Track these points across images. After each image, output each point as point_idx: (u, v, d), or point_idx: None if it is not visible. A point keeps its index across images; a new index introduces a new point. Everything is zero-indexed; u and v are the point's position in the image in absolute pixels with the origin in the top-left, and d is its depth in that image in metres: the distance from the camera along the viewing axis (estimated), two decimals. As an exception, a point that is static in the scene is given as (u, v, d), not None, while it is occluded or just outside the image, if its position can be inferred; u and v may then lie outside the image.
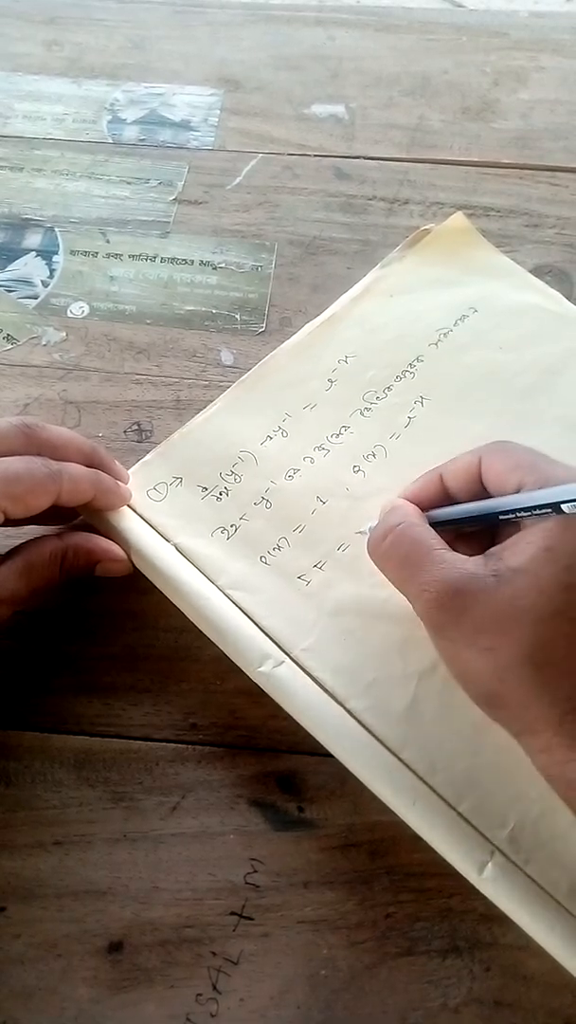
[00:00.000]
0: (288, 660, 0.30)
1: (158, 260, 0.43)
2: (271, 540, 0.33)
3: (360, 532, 0.32)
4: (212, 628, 0.31)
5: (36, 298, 0.41)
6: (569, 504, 0.24)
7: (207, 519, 0.34)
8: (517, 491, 0.26)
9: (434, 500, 0.30)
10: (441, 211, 0.44)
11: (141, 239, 0.43)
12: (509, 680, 0.24)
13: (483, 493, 0.28)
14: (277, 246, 0.43)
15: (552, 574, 0.24)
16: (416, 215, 0.44)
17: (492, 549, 0.26)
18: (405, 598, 0.27)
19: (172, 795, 0.29)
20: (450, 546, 0.27)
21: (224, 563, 0.32)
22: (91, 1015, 0.26)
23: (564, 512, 0.24)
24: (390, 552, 0.28)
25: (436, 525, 0.28)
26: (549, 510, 0.25)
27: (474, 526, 0.29)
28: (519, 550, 0.25)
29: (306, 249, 0.43)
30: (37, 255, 0.43)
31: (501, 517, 0.26)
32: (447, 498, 0.30)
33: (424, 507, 0.29)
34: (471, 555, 0.26)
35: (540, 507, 0.25)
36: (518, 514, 0.26)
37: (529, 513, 0.25)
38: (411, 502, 0.30)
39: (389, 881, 0.28)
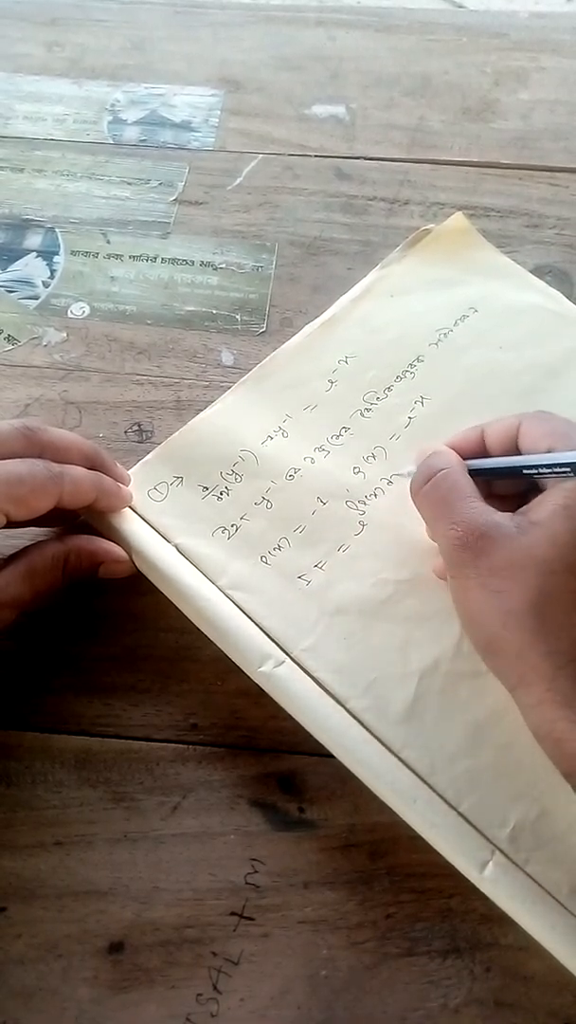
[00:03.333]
0: (288, 660, 0.30)
1: (159, 261, 0.43)
2: (272, 540, 0.33)
3: (399, 475, 0.34)
4: (213, 628, 0.31)
5: (37, 299, 0.41)
6: None
7: (208, 519, 0.34)
8: (548, 453, 0.28)
9: (472, 452, 0.31)
10: (441, 211, 0.44)
11: (142, 240, 0.43)
12: (511, 625, 0.25)
13: (517, 452, 0.30)
14: (277, 247, 0.43)
15: (567, 530, 0.26)
16: (416, 215, 0.44)
17: (521, 508, 0.28)
18: (433, 538, 0.30)
19: (173, 795, 0.29)
20: (485, 498, 0.29)
21: (224, 563, 0.32)
22: (92, 1015, 0.26)
23: None
24: (430, 492, 0.29)
25: (472, 474, 0.30)
26: (568, 471, 0.26)
27: (503, 479, 0.30)
28: (541, 507, 0.27)
29: (307, 250, 0.43)
30: (38, 256, 0.43)
31: (525, 471, 0.28)
32: (484, 453, 0.31)
33: (464, 456, 0.31)
34: (502, 510, 0.28)
35: (560, 466, 0.26)
36: (540, 470, 0.27)
37: (550, 471, 0.27)
38: (451, 449, 0.31)
39: (389, 881, 0.28)
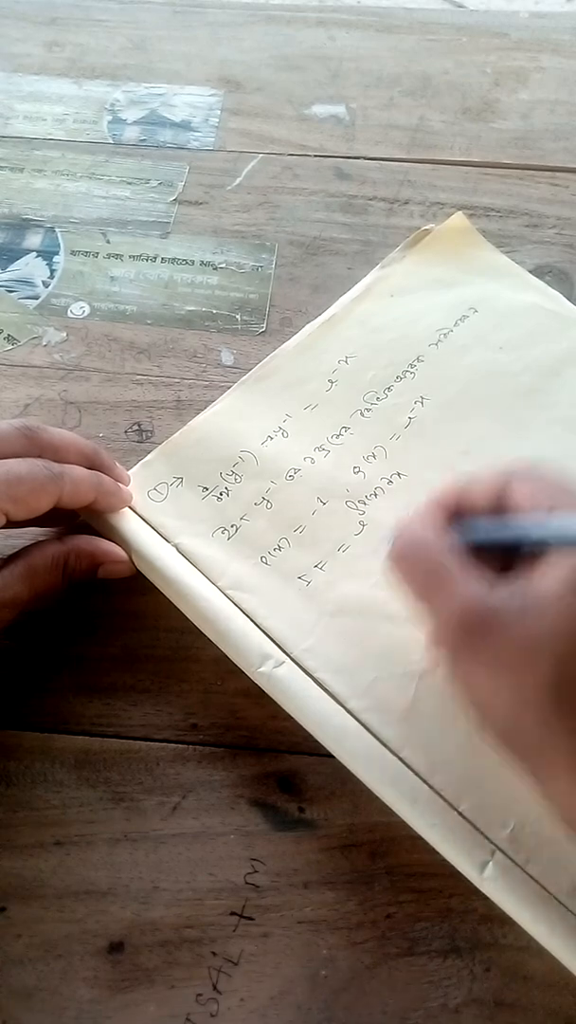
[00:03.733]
0: (288, 660, 0.30)
1: (158, 260, 0.43)
2: (272, 540, 0.33)
3: (385, 539, 0.30)
4: (213, 629, 0.31)
5: (37, 298, 0.41)
6: None
7: (208, 519, 0.34)
8: (545, 517, 0.25)
9: (457, 512, 0.28)
10: (441, 211, 0.44)
11: (141, 239, 0.43)
12: (527, 716, 0.23)
13: (506, 512, 0.27)
14: (277, 246, 0.43)
15: None
16: (416, 215, 0.44)
17: (516, 574, 0.25)
18: (420, 616, 0.26)
19: (173, 795, 0.29)
20: (473, 558, 0.26)
21: (225, 564, 0.32)
22: (91, 1015, 0.26)
23: None
24: (414, 566, 0.26)
25: (459, 539, 0.27)
26: None
27: (496, 544, 0.27)
28: (546, 579, 0.24)
29: (306, 249, 0.43)
30: (38, 255, 0.43)
31: (526, 543, 0.25)
32: (471, 511, 0.28)
33: (448, 518, 0.28)
34: (490, 569, 0.25)
35: (569, 537, 0.24)
36: (544, 541, 0.25)
37: (556, 541, 0.25)
38: (435, 511, 0.28)
39: (389, 881, 0.28)
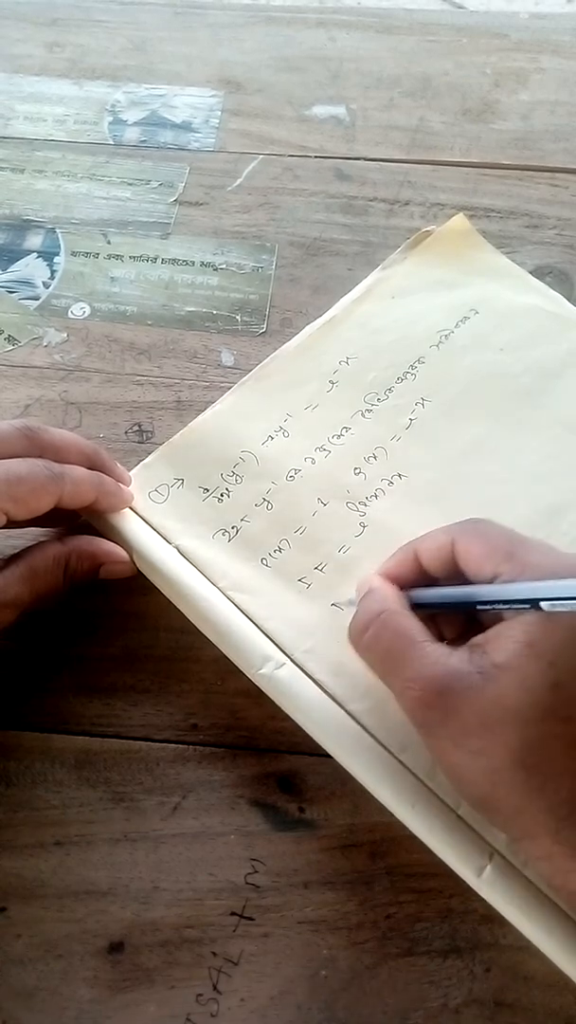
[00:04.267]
0: (289, 662, 0.30)
1: (159, 261, 0.43)
2: (272, 542, 0.33)
3: (335, 605, 0.31)
4: (213, 630, 0.31)
5: (37, 299, 0.41)
6: (548, 602, 0.23)
7: (208, 520, 0.34)
8: (492, 579, 0.25)
9: (411, 579, 0.29)
10: (442, 212, 0.44)
11: (142, 240, 0.43)
12: (501, 784, 0.23)
13: (460, 573, 0.27)
14: (278, 247, 0.43)
15: (537, 671, 0.23)
16: (417, 216, 0.44)
17: (475, 639, 0.25)
18: (389, 689, 0.26)
19: (173, 795, 0.29)
20: (429, 622, 0.26)
21: (225, 565, 0.32)
22: (91, 1015, 0.26)
23: (543, 609, 0.23)
24: (372, 644, 0.26)
25: (415, 607, 0.27)
26: (527, 605, 0.24)
27: (452, 612, 0.28)
28: (501, 645, 0.24)
29: (307, 250, 0.43)
30: (38, 256, 0.43)
31: (479, 607, 0.25)
32: (424, 576, 0.29)
33: (401, 586, 0.28)
34: (451, 635, 0.26)
35: (518, 601, 0.24)
36: (496, 606, 0.25)
37: (507, 606, 0.25)
38: (388, 580, 0.28)
39: (389, 881, 0.28)
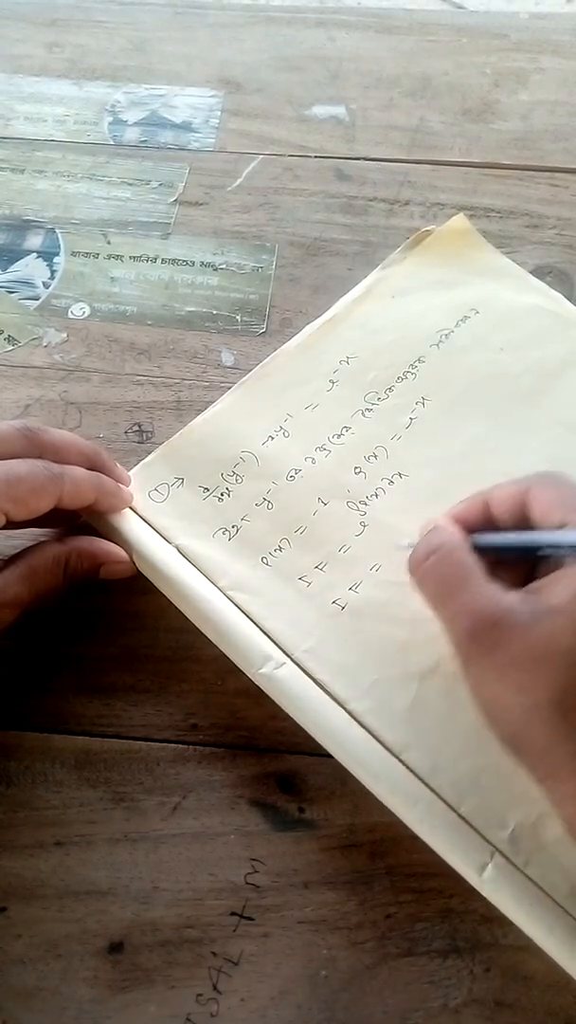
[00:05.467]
0: (289, 662, 0.30)
1: (159, 261, 0.43)
2: (272, 541, 0.33)
3: (400, 547, 0.30)
4: (213, 630, 0.31)
5: (37, 299, 0.41)
6: None
7: (208, 520, 0.34)
8: (560, 527, 0.26)
9: (477, 523, 0.29)
10: (442, 212, 0.44)
11: (142, 240, 0.43)
12: (536, 722, 0.23)
13: (527, 523, 0.28)
14: (278, 247, 0.43)
15: None
16: (417, 216, 0.44)
17: (532, 584, 0.26)
18: (439, 620, 0.27)
19: (173, 795, 0.29)
20: (490, 571, 0.26)
21: (225, 565, 0.32)
22: (91, 1015, 0.26)
23: None
24: (430, 572, 0.27)
25: (477, 549, 0.27)
26: None
27: (514, 556, 0.28)
28: (558, 589, 0.25)
29: (307, 250, 0.43)
30: (38, 256, 0.43)
31: (540, 552, 0.26)
32: (490, 523, 0.29)
33: (467, 529, 0.29)
34: (510, 583, 0.26)
35: None
36: (559, 550, 0.26)
37: (572, 551, 0.25)
38: (455, 521, 0.29)
39: (389, 881, 0.28)
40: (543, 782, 0.25)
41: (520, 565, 0.28)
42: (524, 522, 0.28)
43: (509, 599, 0.25)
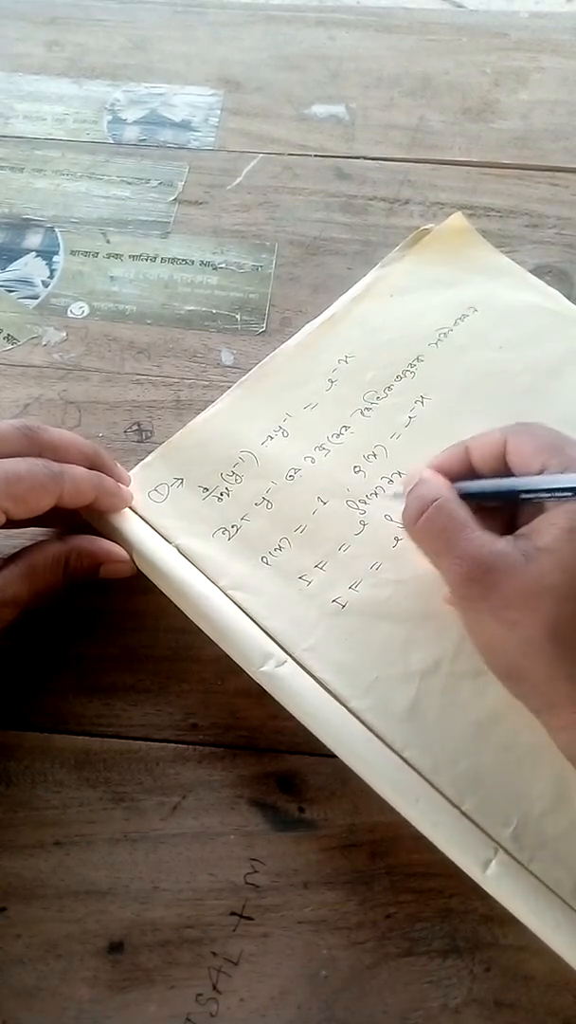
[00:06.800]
0: (290, 660, 0.30)
1: (158, 260, 0.43)
2: (272, 541, 0.33)
3: (389, 494, 0.33)
4: (214, 628, 0.31)
5: (36, 298, 0.41)
6: None
7: (208, 520, 0.34)
8: (540, 472, 0.27)
9: (459, 472, 0.30)
10: (441, 211, 0.44)
11: (141, 239, 0.43)
12: (531, 654, 0.25)
13: (506, 470, 0.29)
14: (277, 246, 0.43)
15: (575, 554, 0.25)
16: (416, 215, 0.44)
17: (521, 529, 0.27)
18: (437, 570, 0.28)
19: (172, 795, 0.29)
20: (474, 514, 0.28)
21: (225, 564, 0.32)
22: (91, 1015, 0.26)
23: None
24: (426, 526, 0.28)
25: (462, 497, 0.29)
26: (570, 493, 0.26)
27: (497, 502, 0.29)
28: (545, 531, 0.26)
29: (306, 249, 0.43)
30: (37, 255, 0.43)
31: (523, 496, 0.27)
32: (471, 471, 0.30)
33: (450, 478, 0.30)
34: (494, 528, 0.27)
35: (562, 490, 0.26)
36: (540, 495, 0.27)
37: (551, 495, 0.27)
38: (438, 473, 0.30)
39: (389, 881, 0.28)
40: (541, 713, 0.26)
41: (503, 510, 0.30)
42: (503, 468, 0.29)
43: (501, 544, 0.26)
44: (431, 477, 0.30)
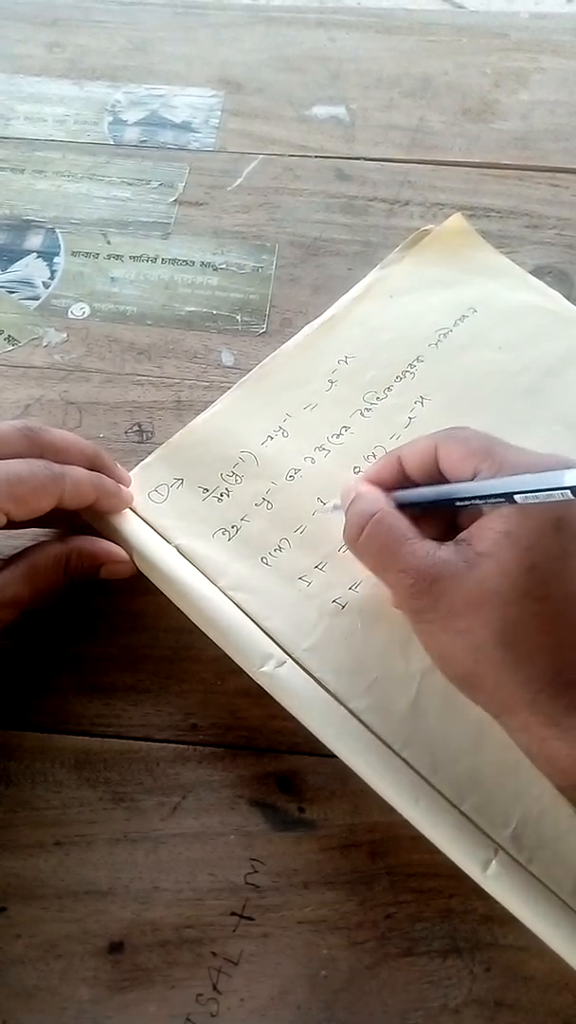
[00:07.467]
0: (290, 660, 0.30)
1: (159, 261, 0.43)
2: (272, 541, 0.33)
3: (325, 510, 0.33)
4: (214, 629, 0.31)
5: (37, 299, 0.41)
6: (521, 495, 0.25)
7: (208, 520, 0.34)
8: (473, 477, 0.27)
9: (394, 482, 0.30)
10: (442, 212, 0.44)
11: (142, 240, 0.43)
12: (483, 660, 0.25)
13: (440, 477, 0.29)
14: (278, 247, 0.43)
15: (514, 556, 0.25)
16: (417, 216, 0.44)
17: (461, 535, 0.27)
18: (384, 584, 0.29)
19: (172, 795, 0.29)
20: (413, 524, 0.28)
21: (225, 565, 0.32)
22: (91, 1015, 0.26)
23: (516, 502, 0.25)
24: (368, 542, 0.28)
25: (399, 507, 0.29)
26: (503, 499, 0.26)
27: (434, 508, 0.29)
28: (483, 535, 0.26)
29: (307, 250, 0.43)
30: (38, 256, 0.43)
31: (458, 504, 0.27)
32: (405, 480, 0.30)
33: (385, 489, 0.30)
34: (433, 535, 0.28)
35: (495, 496, 0.26)
36: (474, 501, 0.27)
37: (484, 501, 0.27)
38: (373, 484, 0.30)
39: (389, 881, 0.28)
40: (499, 717, 0.26)
41: (442, 514, 0.29)
42: (437, 475, 0.29)
43: (443, 553, 0.26)
44: (368, 491, 0.30)
